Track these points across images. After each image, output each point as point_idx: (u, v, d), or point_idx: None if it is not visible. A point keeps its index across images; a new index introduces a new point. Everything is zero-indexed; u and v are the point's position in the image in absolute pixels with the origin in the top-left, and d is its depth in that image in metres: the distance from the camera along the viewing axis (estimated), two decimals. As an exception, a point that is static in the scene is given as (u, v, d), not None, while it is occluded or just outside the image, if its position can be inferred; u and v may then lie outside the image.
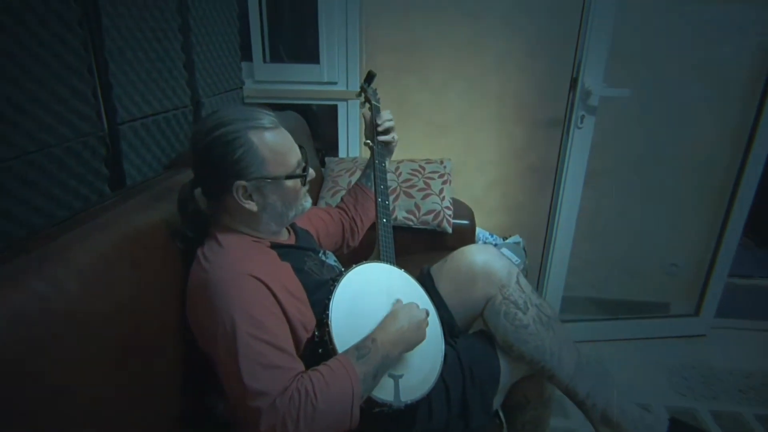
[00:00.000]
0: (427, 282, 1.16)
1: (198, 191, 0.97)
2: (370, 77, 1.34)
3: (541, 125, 1.98)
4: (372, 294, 0.99)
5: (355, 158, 1.98)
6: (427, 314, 0.98)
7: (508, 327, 1.06)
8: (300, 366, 0.84)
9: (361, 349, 0.85)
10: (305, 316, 0.91)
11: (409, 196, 1.77)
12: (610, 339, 2.05)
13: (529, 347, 1.05)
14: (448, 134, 2.07)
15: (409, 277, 1.09)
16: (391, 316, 0.93)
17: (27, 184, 0.88)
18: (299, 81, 1.99)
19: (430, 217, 1.74)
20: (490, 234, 2.13)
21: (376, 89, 1.39)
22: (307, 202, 1.02)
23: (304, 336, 0.91)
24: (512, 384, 1.12)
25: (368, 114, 1.34)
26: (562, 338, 1.08)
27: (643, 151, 1.96)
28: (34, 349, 0.63)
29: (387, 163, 1.34)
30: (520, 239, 2.09)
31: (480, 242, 2.07)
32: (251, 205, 0.93)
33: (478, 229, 2.09)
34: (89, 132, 1.04)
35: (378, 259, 1.10)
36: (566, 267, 1.91)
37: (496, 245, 2.08)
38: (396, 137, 1.31)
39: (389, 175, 1.82)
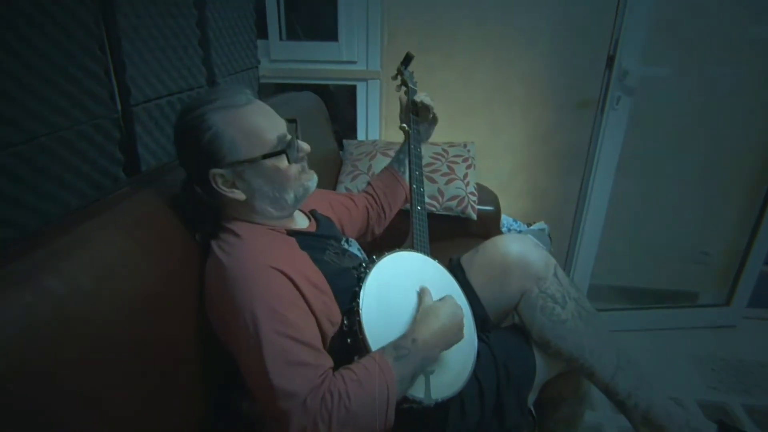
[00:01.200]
0: (458, 273, 1.10)
1: (197, 187, 0.90)
2: (407, 59, 1.27)
3: (572, 107, 1.88)
4: (404, 284, 0.94)
5: (374, 141, 1.90)
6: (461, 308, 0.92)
7: (545, 322, 1.00)
8: (328, 362, 0.79)
9: (399, 348, 0.80)
10: (330, 309, 0.86)
11: (432, 181, 1.70)
12: (637, 329, 1.98)
13: (567, 344, 0.99)
14: (472, 116, 1.98)
15: (443, 268, 1.03)
16: (432, 312, 0.86)
17: (37, 169, 0.83)
18: (317, 60, 1.90)
19: (454, 203, 1.67)
20: (514, 220, 2.05)
21: (412, 72, 1.32)
22: (310, 181, 0.94)
23: (330, 329, 0.85)
24: (546, 380, 1.07)
25: (404, 97, 1.28)
26: (602, 334, 1.02)
27: (678, 135, 1.86)
28: (47, 350, 0.58)
29: (422, 148, 1.27)
30: (545, 226, 2.01)
31: (504, 228, 2.01)
32: (237, 194, 0.86)
33: (502, 216, 2.02)
34: (102, 114, 0.97)
35: (411, 247, 1.05)
36: (594, 255, 1.84)
37: (520, 232, 2.01)
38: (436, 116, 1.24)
39: (411, 159, 1.75)
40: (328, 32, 1.88)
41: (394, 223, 1.39)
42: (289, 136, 0.89)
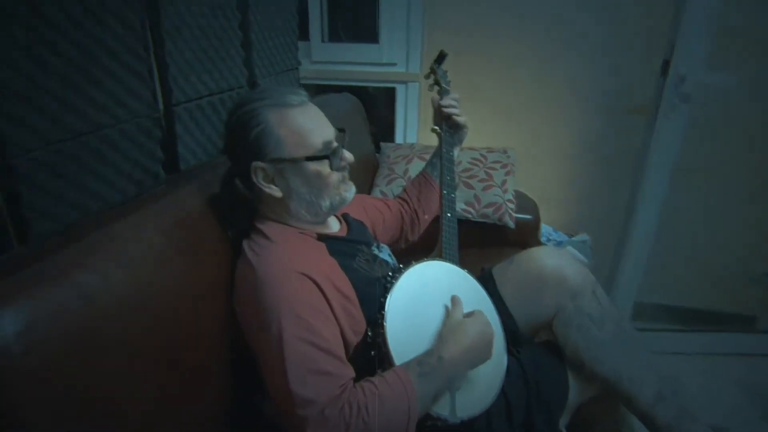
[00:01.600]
0: (488, 284, 1.06)
1: (237, 179, 0.91)
2: (441, 57, 1.24)
3: (622, 113, 1.78)
4: (432, 295, 0.91)
5: (412, 144, 1.88)
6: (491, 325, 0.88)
7: (580, 342, 0.95)
8: (350, 372, 0.77)
9: (424, 365, 0.77)
10: (354, 318, 0.85)
11: (469, 186, 1.65)
12: (686, 352, 1.85)
13: (604, 367, 0.93)
14: (513, 121, 1.92)
15: (473, 278, 1.00)
16: (460, 329, 0.83)
17: (80, 166, 0.86)
18: (357, 62, 1.90)
19: (491, 210, 1.62)
20: (554, 230, 1.97)
21: (446, 71, 1.28)
22: (348, 192, 0.94)
23: (354, 340, 0.84)
24: (580, 403, 1.01)
25: (437, 98, 1.24)
26: (643, 360, 0.95)
27: (741, 146, 1.72)
28: (76, 345, 0.60)
29: (456, 152, 1.24)
30: (587, 237, 1.92)
31: (543, 238, 1.93)
32: (274, 191, 0.86)
33: (541, 225, 1.95)
34: (144, 113, 1.00)
35: (440, 257, 1.02)
36: (642, 270, 1.73)
37: (560, 243, 1.93)
38: (464, 122, 1.20)
39: (448, 164, 1.71)
40: (369, 34, 1.87)
41: (430, 229, 1.36)
42: (335, 144, 0.89)
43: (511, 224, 1.62)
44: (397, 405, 0.72)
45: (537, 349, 1.03)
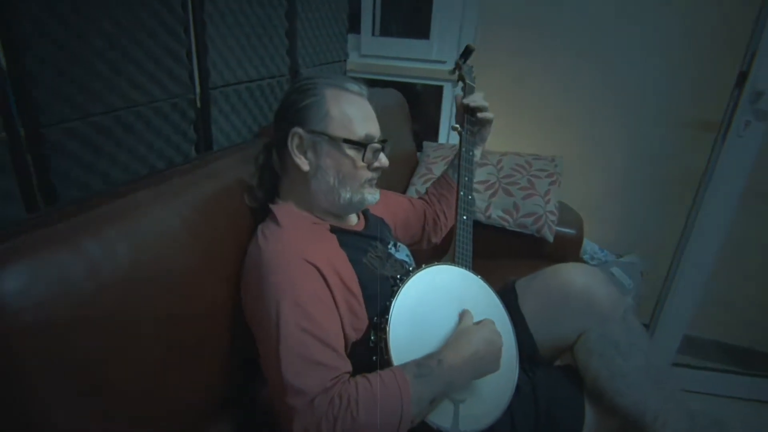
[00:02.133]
0: (509, 297, 1.00)
1: (274, 150, 0.92)
2: (467, 52, 1.18)
3: (688, 128, 1.63)
4: (440, 301, 0.86)
5: (453, 145, 1.82)
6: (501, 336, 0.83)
7: (601, 371, 0.87)
8: (346, 366, 0.75)
9: (422, 367, 0.73)
10: (356, 314, 0.82)
11: (509, 193, 1.58)
12: (737, 396, 1.67)
13: (626, 401, 0.85)
14: (566, 128, 1.81)
15: (488, 287, 0.94)
16: (465, 335, 0.79)
17: (112, 139, 0.90)
18: (406, 57, 1.87)
19: (530, 220, 1.54)
20: (600, 248, 1.85)
21: (472, 67, 1.22)
22: (371, 195, 0.92)
23: (353, 336, 0.82)
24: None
25: (460, 95, 1.19)
26: (674, 397, 0.86)
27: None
28: (76, 310, 0.61)
29: (478, 153, 1.18)
30: (637, 259, 1.78)
31: (587, 256, 1.81)
32: (302, 162, 0.86)
33: (585, 241, 1.83)
34: (179, 94, 1.03)
35: (452, 261, 0.97)
36: (695, 301, 1.58)
37: (606, 262, 1.80)
38: (491, 118, 1.13)
39: (488, 168, 1.65)
40: (421, 30, 1.83)
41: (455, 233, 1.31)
42: (376, 144, 0.89)
43: (550, 237, 1.53)
44: (390, 404, 0.69)
45: (554, 372, 0.95)
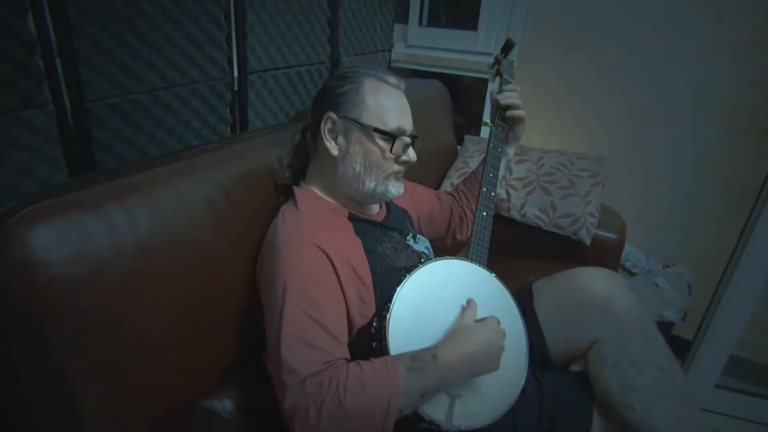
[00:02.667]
0: (525, 297, 0.97)
1: (309, 132, 0.96)
2: (508, 47, 1.14)
3: (751, 134, 1.49)
4: (447, 295, 0.86)
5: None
6: (504, 336, 0.81)
7: (612, 383, 0.83)
8: (343, 353, 0.77)
9: (416, 360, 0.74)
10: (365, 301, 0.83)
11: (547, 192, 1.53)
12: None
13: (636, 416, 0.81)
14: (616, 128, 1.71)
15: (502, 285, 0.92)
16: (465, 332, 0.78)
17: (151, 117, 0.96)
18: (452, 49, 1.84)
19: (567, 221, 1.48)
20: (646, 258, 1.74)
21: (513, 62, 1.19)
22: (395, 188, 0.92)
23: (359, 322, 0.83)
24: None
25: (496, 90, 1.16)
26: (690, 420, 0.80)
27: None
28: (96, 270, 0.67)
29: (511, 151, 1.15)
30: (686, 272, 1.66)
31: (629, 263, 1.72)
32: (332, 146, 0.89)
33: (629, 248, 1.74)
34: (217, 77, 1.08)
35: (466, 256, 0.95)
36: (745, 319, 1.46)
37: (650, 271, 1.70)
38: (522, 116, 1.10)
39: (528, 165, 1.60)
40: (470, 21, 1.79)
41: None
42: (407, 138, 0.91)
43: (587, 240, 1.46)
44: (378, 393, 0.70)
45: (565, 379, 0.92)
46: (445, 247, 1.25)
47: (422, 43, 1.88)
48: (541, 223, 1.51)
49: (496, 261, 1.51)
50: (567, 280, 0.94)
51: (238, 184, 0.90)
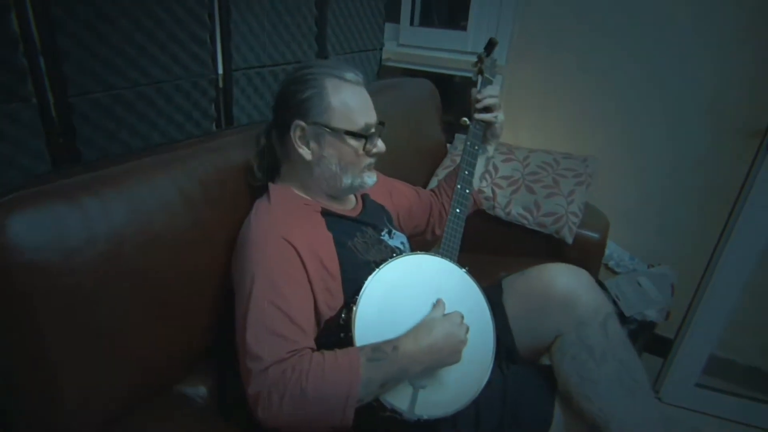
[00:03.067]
0: (495, 293, 1.00)
1: (274, 132, 0.97)
2: (490, 46, 1.17)
3: (737, 135, 1.49)
4: (415, 289, 0.88)
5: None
6: (467, 331, 0.83)
7: (571, 375, 0.86)
8: (308, 343, 0.80)
9: (378, 351, 0.77)
10: (332, 294, 0.86)
11: (531, 191, 1.54)
12: (758, 425, 1.54)
13: (593, 408, 0.83)
14: (603, 128, 1.73)
15: (472, 280, 0.95)
16: (426, 326, 0.81)
17: (134, 112, 1.00)
18: (442, 48, 1.86)
19: (550, 220, 1.50)
20: (631, 257, 1.75)
21: (495, 60, 1.21)
22: (370, 177, 0.96)
23: (327, 313, 0.86)
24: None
25: (475, 89, 1.18)
26: (644, 413, 0.83)
27: None
28: (69, 257, 0.70)
29: (491, 149, 1.17)
30: (669, 272, 1.67)
31: (612, 263, 1.73)
32: (305, 152, 0.90)
33: (614, 247, 1.75)
34: (201, 74, 1.12)
35: (437, 252, 0.98)
36: (724, 321, 1.47)
37: (634, 271, 1.71)
38: (501, 118, 1.12)
39: (514, 164, 1.62)
40: (459, 21, 1.81)
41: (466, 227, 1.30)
42: (374, 130, 0.93)
43: (569, 239, 1.48)
44: (338, 382, 0.72)
45: (529, 372, 0.94)
46: (425, 243, 1.28)
47: (413, 42, 1.90)
48: (525, 222, 1.53)
49: (481, 258, 1.55)
50: (533, 276, 0.97)
51: (215, 179, 0.93)
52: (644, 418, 0.82)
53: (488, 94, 1.10)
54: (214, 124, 1.19)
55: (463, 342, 0.82)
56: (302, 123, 0.89)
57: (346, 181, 0.93)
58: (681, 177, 1.64)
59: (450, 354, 0.81)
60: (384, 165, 1.38)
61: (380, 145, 0.94)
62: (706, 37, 1.49)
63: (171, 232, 0.84)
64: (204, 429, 0.84)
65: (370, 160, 0.95)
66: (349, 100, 0.90)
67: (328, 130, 0.89)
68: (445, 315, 0.84)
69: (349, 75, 0.91)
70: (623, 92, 1.65)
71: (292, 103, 0.90)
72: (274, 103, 0.97)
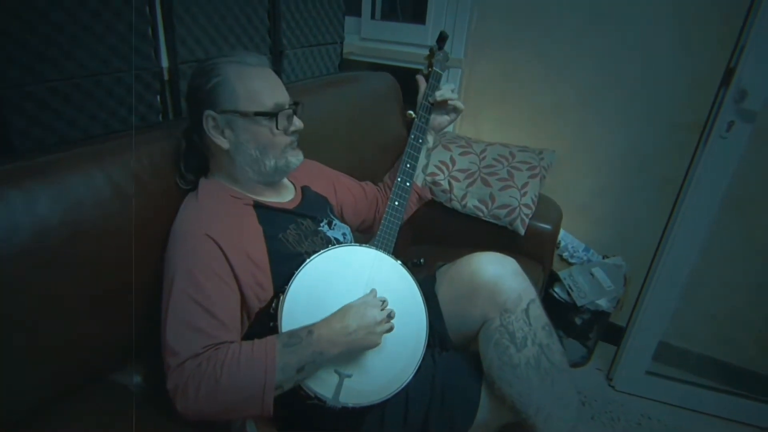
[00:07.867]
0: (429, 282, 1.02)
1: (194, 133, 0.96)
2: (441, 39, 1.18)
3: (683, 129, 1.53)
4: (348, 280, 0.90)
5: (445, 132, 1.82)
6: (390, 317, 0.86)
7: (494, 360, 0.88)
8: (230, 337, 0.80)
9: (293, 337, 0.79)
10: (262, 286, 0.87)
11: (487, 184, 1.57)
12: (707, 412, 1.59)
13: (513, 391, 0.86)
14: (558, 122, 1.76)
15: (405, 271, 0.97)
16: (343, 310, 0.83)
17: (71, 104, 1.00)
18: (404, 42, 1.87)
19: (503, 212, 1.53)
20: (586, 248, 1.79)
21: (448, 53, 1.23)
22: (294, 157, 0.96)
23: (257, 306, 0.87)
24: (499, 427, 0.94)
25: (424, 83, 1.20)
26: (561, 395, 0.86)
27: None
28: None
29: (430, 139, 1.19)
30: (623, 263, 1.71)
31: (566, 254, 1.77)
32: (222, 141, 0.91)
33: (569, 238, 1.79)
34: (143, 67, 1.12)
35: (371, 243, 1.00)
36: (669, 309, 1.51)
37: (588, 261, 1.75)
38: (458, 108, 1.17)
39: (471, 157, 1.64)
40: (419, 15, 1.82)
41: (414, 219, 1.32)
42: (287, 108, 0.93)
43: (521, 230, 1.51)
44: (253, 369, 0.74)
45: (459, 358, 0.97)
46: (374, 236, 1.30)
47: (375, 36, 1.91)
48: (480, 214, 1.56)
49: (437, 250, 1.57)
50: (463, 265, 0.99)
51: (149, 170, 0.93)
52: (560, 400, 0.85)
53: (445, 90, 1.12)
54: (161, 117, 1.19)
55: (379, 323, 0.83)
56: (213, 113, 0.89)
57: (269, 163, 0.93)
58: (632, 170, 1.67)
59: (366, 335, 0.82)
60: (343, 158, 1.40)
61: (297, 123, 0.95)
62: (655, 35, 1.52)
63: (101, 225, 0.85)
64: (135, 415, 0.85)
65: (290, 139, 0.95)
66: (254, 83, 0.90)
67: (238, 114, 0.89)
68: (362, 297, 0.86)
69: (251, 59, 0.92)
70: (578, 87, 1.68)
71: (200, 96, 0.90)
72: (185, 101, 0.97)
